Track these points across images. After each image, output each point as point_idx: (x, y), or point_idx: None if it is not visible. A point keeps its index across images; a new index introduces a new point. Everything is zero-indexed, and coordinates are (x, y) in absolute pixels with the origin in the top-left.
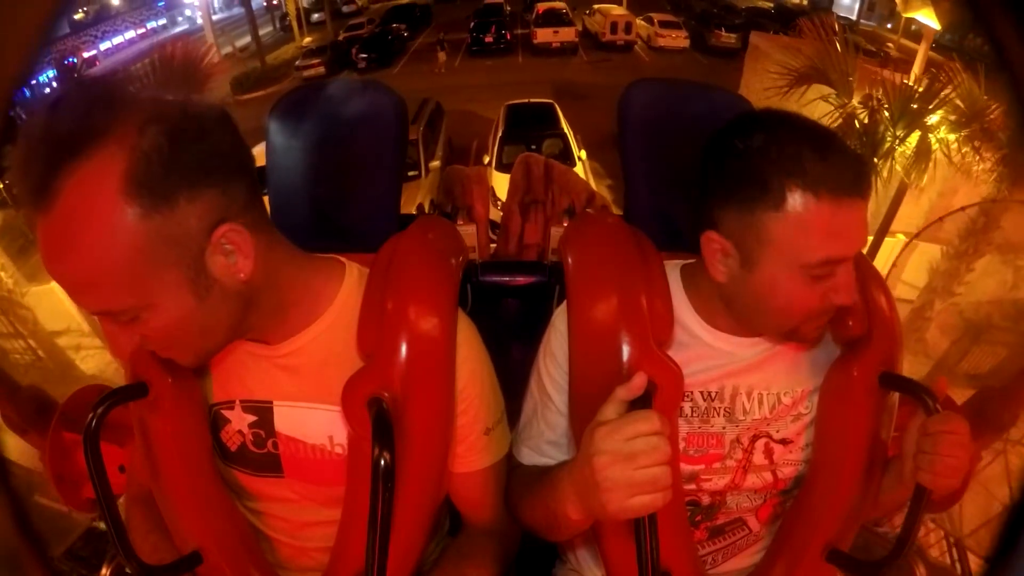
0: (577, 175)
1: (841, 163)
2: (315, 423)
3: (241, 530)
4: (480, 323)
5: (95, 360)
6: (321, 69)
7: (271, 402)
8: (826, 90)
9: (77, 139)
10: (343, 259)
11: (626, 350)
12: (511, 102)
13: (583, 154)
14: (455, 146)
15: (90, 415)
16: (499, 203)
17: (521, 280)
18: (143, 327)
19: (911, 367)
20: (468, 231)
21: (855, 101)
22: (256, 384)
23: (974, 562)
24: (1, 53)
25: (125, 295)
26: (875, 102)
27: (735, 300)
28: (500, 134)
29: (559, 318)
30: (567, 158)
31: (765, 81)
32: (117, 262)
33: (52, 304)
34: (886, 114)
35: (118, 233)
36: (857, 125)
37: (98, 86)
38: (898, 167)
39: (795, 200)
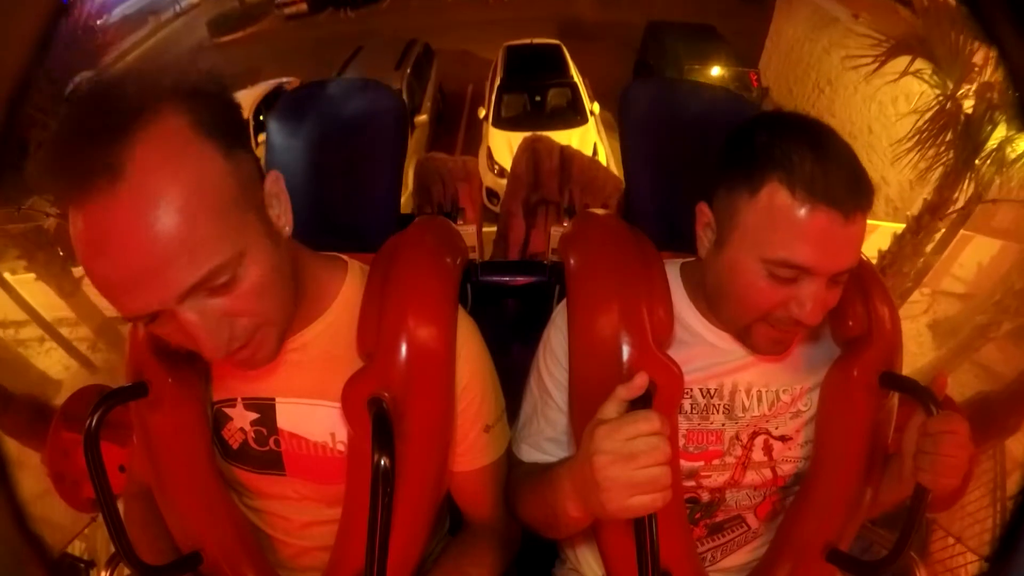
0: (607, 170)
1: (835, 173)
2: (317, 420)
3: (241, 530)
4: (480, 323)
5: (59, 353)
6: (303, 6)
7: (273, 399)
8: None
9: (130, 110)
10: (345, 257)
11: (626, 350)
12: (511, 43)
13: (596, 106)
14: (447, 92)
15: (90, 415)
16: (496, 167)
17: (521, 280)
18: (237, 290)
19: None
20: (468, 231)
21: (963, 89)
22: (258, 381)
23: (974, 562)
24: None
25: (225, 244)
26: (995, 94)
27: (707, 278)
28: (499, 82)
29: (559, 315)
30: (577, 111)
31: (799, 29)
32: (214, 206)
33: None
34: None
35: (209, 174)
36: (961, 118)
37: (118, 75)
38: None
39: (770, 190)
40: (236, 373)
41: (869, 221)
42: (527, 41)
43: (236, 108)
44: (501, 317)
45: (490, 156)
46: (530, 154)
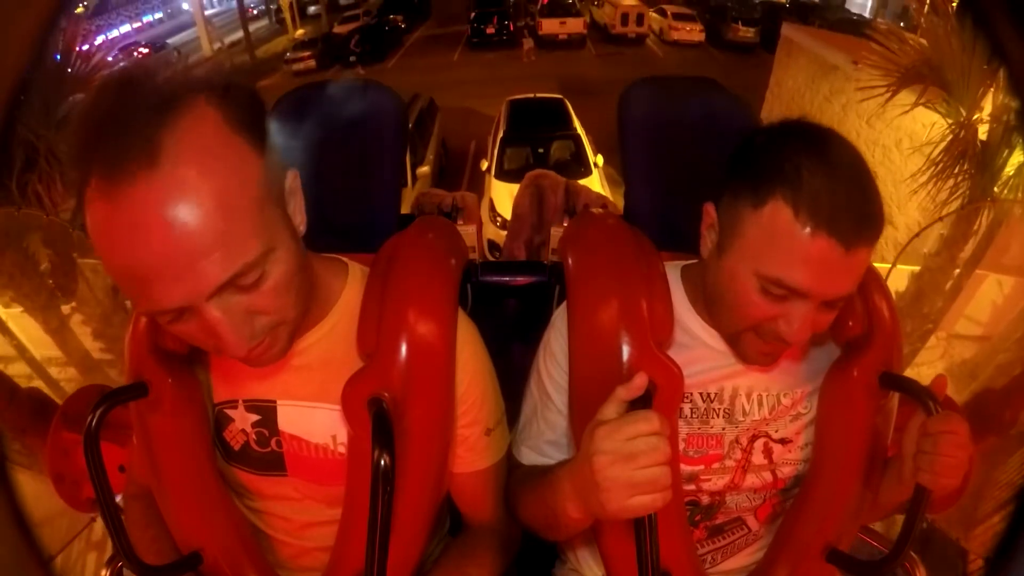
0: (614, 205)
1: (846, 204)
2: (319, 422)
3: (241, 530)
4: (480, 323)
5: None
6: (311, 63)
7: (274, 401)
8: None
9: (166, 97)
10: (345, 259)
11: (626, 351)
12: (514, 97)
13: (599, 159)
14: (450, 148)
15: (90, 415)
16: (498, 219)
17: (521, 280)
18: (262, 287)
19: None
20: (468, 231)
21: (978, 114)
22: (259, 383)
23: (974, 562)
24: (2, 52)
25: (258, 241)
26: (1011, 115)
27: (706, 280)
28: (501, 134)
29: (559, 318)
30: (581, 163)
31: (800, 79)
32: (249, 200)
33: None
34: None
35: (243, 167)
36: (978, 144)
37: (150, 66)
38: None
39: (774, 207)
40: (238, 375)
41: (878, 264)
42: (530, 95)
43: (263, 105)
44: (501, 317)
45: (492, 208)
46: (534, 190)
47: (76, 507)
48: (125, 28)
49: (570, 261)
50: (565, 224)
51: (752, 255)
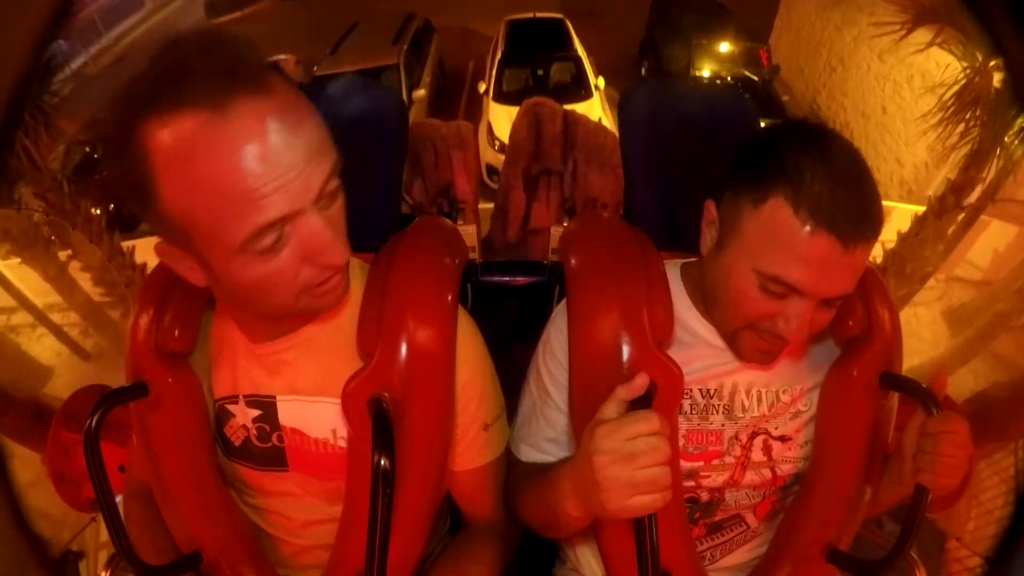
0: (614, 137)
1: (847, 202)
2: (319, 416)
3: (241, 529)
4: (480, 323)
5: (51, 339)
6: None
7: (274, 396)
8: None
9: (254, 46)
10: None
11: (626, 350)
12: (513, 17)
13: (601, 81)
14: (448, 70)
15: (90, 415)
16: (497, 143)
17: (521, 280)
18: (337, 203)
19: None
20: (468, 231)
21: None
22: (260, 378)
23: (974, 562)
24: (2, 52)
25: (332, 148)
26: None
27: (705, 276)
28: (500, 56)
29: (559, 315)
30: (581, 86)
31: (810, 5)
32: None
33: None
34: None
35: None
36: (991, 91)
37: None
38: None
39: (774, 205)
40: (238, 370)
41: (885, 203)
42: (530, 15)
43: None
44: (501, 317)
45: (490, 131)
46: (531, 119)
47: (76, 507)
48: None
49: (570, 261)
50: (565, 223)
51: (751, 252)
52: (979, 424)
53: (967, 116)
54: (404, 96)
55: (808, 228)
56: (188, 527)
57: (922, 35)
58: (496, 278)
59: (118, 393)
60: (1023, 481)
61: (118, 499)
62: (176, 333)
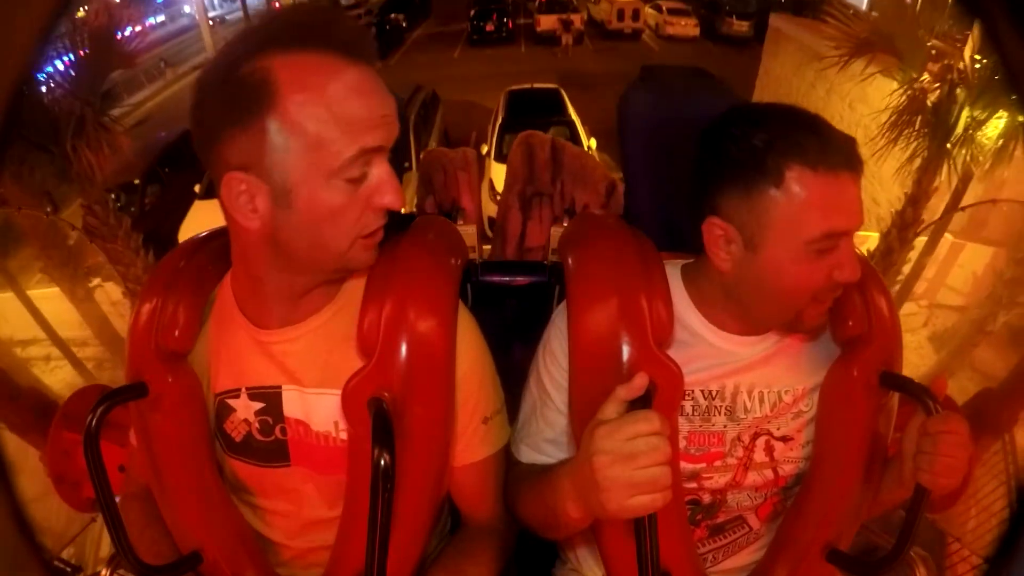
0: (594, 159)
1: (832, 140)
2: (322, 408)
3: (241, 529)
4: (480, 323)
5: (64, 372)
6: None
7: (279, 387)
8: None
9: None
10: None
11: (626, 350)
12: (512, 88)
13: (593, 143)
14: (452, 138)
15: (90, 415)
16: (498, 197)
17: (521, 280)
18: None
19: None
20: (468, 231)
21: (926, 77)
22: (264, 370)
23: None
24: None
25: None
26: (955, 74)
27: (739, 288)
28: (500, 121)
29: (559, 316)
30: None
31: (787, 66)
32: None
33: (16, 312)
34: (959, 92)
35: None
36: (928, 104)
37: None
38: (971, 155)
39: (793, 176)
40: (241, 363)
41: (864, 233)
42: (527, 85)
43: None
44: (501, 317)
45: (492, 187)
46: (525, 147)
47: (76, 507)
48: (128, 32)
49: (570, 261)
50: (565, 224)
51: (794, 229)
52: (976, 422)
53: (908, 132)
54: (413, 160)
55: (830, 176)
56: (188, 527)
57: (864, 66)
58: (496, 278)
59: (118, 393)
60: (1023, 480)
61: (118, 499)
62: (176, 333)
